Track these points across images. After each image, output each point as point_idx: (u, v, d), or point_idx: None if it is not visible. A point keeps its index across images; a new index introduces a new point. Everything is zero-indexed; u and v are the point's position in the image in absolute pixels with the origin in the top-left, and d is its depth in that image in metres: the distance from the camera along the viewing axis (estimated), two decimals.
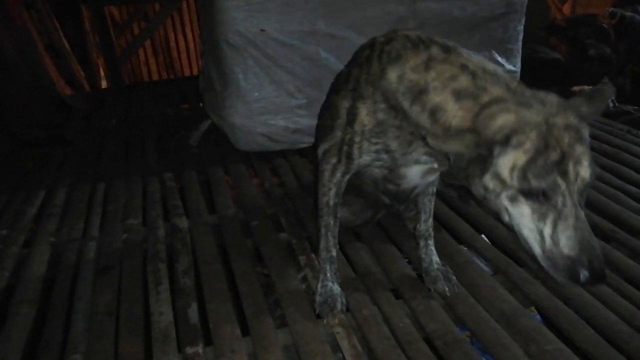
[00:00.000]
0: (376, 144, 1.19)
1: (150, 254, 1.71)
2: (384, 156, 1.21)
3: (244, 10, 2.18)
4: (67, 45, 3.89)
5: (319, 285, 1.42)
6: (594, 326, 1.31)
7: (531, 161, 0.86)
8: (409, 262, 1.63)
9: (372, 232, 1.80)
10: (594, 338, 1.27)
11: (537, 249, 0.91)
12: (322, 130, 1.46)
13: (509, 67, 2.73)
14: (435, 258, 1.50)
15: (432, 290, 1.46)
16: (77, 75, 3.93)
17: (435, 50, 1.08)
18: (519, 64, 2.79)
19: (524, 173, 0.87)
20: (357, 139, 1.21)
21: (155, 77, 6.28)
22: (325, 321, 1.36)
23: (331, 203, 1.36)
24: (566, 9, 5.07)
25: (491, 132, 0.89)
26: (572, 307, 1.39)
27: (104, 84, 4.77)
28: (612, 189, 2.00)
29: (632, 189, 2.01)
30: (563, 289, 1.45)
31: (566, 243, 0.86)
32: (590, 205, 1.91)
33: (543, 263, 0.90)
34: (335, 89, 1.36)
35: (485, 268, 1.62)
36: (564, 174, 0.86)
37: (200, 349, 1.29)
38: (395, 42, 1.15)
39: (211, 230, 1.85)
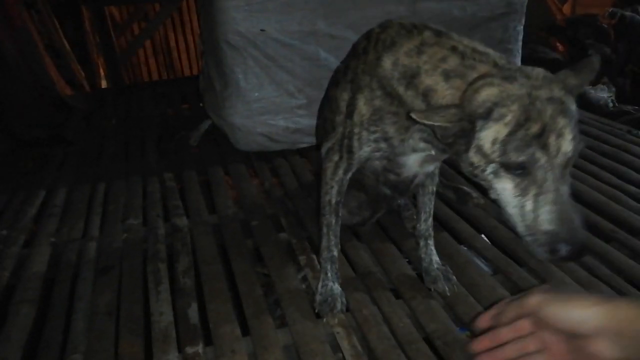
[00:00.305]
0: (374, 132, 1.20)
1: (150, 254, 1.71)
2: (383, 145, 1.22)
3: (244, 10, 2.18)
4: (67, 45, 3.89)
5: (320, 284, 1.42)
6: None
7: (511, 134, 0.86)
8: (409, 262, 1.63)
9: (371, 231, 1.80)
10: None
11: (519, 225, 0.91)
12: (324, 128, 1.47)
13: None
14: (435, 258, 1.50)
15: (432, 290, 1.46)
16: (77, 75, 3.93)
17: (427, 34, 1.10)
18: (519, 64, 2.79)
19: (504, 146, 0.87)
20: (356, 130, 1.22)
21: (155, 77, 6.29)
22: (325, 320, 1.36)
23: (333, 201, 1.36)
24: (566, 9, 5.07)
25: (474, 105, 0.90)
26: None
27: (104, 84, 4.77)
28: (612, 189, 2.00)
29: (632, 189, 2.01)
30: (563, 289, 1.45)
31: (546, 217, 0.86)
32: (590, 205, 1.92)
33: (525, 239, 0.90)
34: (334, 83, 1.37)
35: (485, 268, 1.62)
36: (544, 147, 0.85)
37: (200, 349, 1.29)
38: (390, 30, 1.17)
39: (211, 230, 1.85)
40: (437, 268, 1.48)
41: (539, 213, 0.86)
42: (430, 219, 1.50)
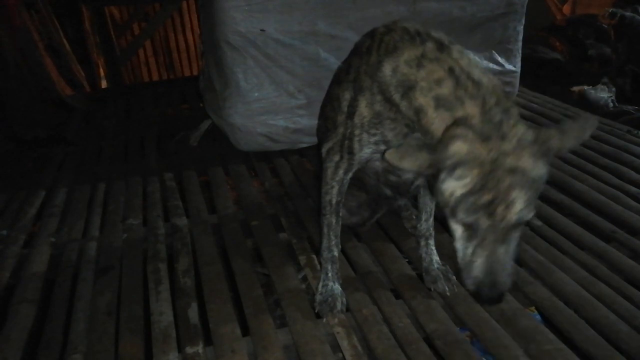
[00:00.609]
0: (374, 135, 1.22)
1: (150, 254, 1.71)
2: (383, 147, 1.23)
3: (244, 10, 2.18)
4: (67, 45, 3.89)
5: (320, 284, 1.42)
6: (594, 326, 1.31)
7: (465, 196, 0.94)
8: (409, 262, 1.63)
9: (371, 231, 1.80)
10: (594, 338, 1.27)
11: (460, 261, 1.02)
12: (325, 127, 1.47)
13: (509, 67, 2.74)
14: (436, 258, 1.50)
15: (432, 290, 1.46)
16: (77, 75, 3.93)
17: (429, 46, 1.11)
18: (519, 64, 2.80)
19: (457, 204, 0.95)
20: (357, 131, 1.23)
21: (155, 77, 6.29)
22: (325, 320, 1.36)
23: (334, 201, 1.37)
24: (566, 9, 5.07)
25: (444, 156, 0.96)
26: (572, 307, 1.39)
27: (104, 84, 4.77)
28: (612, 189, 2.00)
29: (632, 189, 2.01)
30: (563, 289, 1.45)
31: (477, 266, 0.97)
32: (590, 205, 1.92)
33: (462, 272, 1.02)
34: (336, 81, 1.38)
35: None
36: (491, 215, 0.92)
37: (200, 348, 1.29)
38: (394, 34, 1.17)
39: (211, 230, 1.85)
40: (438, 268, 1.48)
41: (474, 259, 0.98)
42: (431, 219, 1.50)
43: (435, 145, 0.99)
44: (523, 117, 1.05)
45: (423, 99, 1.05)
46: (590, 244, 1.68)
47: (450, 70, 1.04)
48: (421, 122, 1.06)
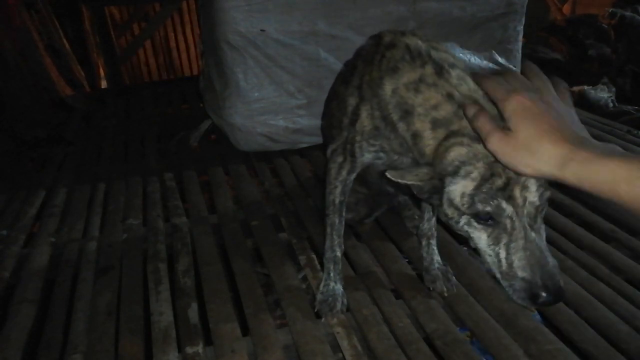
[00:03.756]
0: (373, 145, 1.23)
1: (150, 254, 1.71)
2: (382, 155, 1.25)
3: (244, 10, 2.18)
4: (67, 45, 3.89)
5: (322, 284, 1.43)
6: (594, 326, 1.31)
7: (477, 187, 0.91)
8: (409, 262, 1.63)
9: (371, 231, 1.80)
10: (594, 338, 1.27)
11: (497, 272, 0.94)
12: (330, 124, 1.48)
13: (508, 67, 2.73)
14: (437, 258, 1.50)
15: (431, 289, 1.46)
16: (77, 75, 3.93)
17: (428, 70, 1.09)
18: (519, 64, 2.80)
19: (472, 199, 0.92)
20: (358, 138, 1.24)
21: (155, 77, 6.29)
22: (324, 320, 1.36)
23: (337, 201, 1.37)
24: (566, 9, 5.07)
25: (444, 164, 0.95)
26: (572, 307, 1.39)
27: (104, 84, 4.77)
28: None
29: None
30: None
31: (518, 264, 0.89)
32: (590, 205, 1.92)
33: (505, 287, 0.93)
34: (343, 80, 1.38)
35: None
36: (510, 199, 0.89)
37: (200, 348, 1.29)
38: (395, 51, 1.17)
39: (211, 230, 1.85)
40: (438, 268, 1.48)
41: (512, 260, 0.90)
42: (434, 219, 1.50)
43: (433, 160, 0.99)
44: None
45: (420, 124, 1.05)
46: (590, 244, 1.68)
47: (449, 96, 1.03)
48: (418, 146, 1.06)
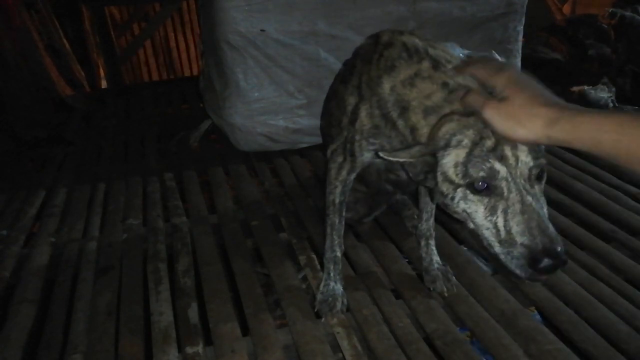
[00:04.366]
0: (373, 144, 1.23)
1: (150, 254, 1.71)
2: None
3: (244, 10, 2.18)
4: (67, 45, 3.88)
5: (322, 284, 1.43)
6: (594, 326, 1.31)
7: (469, 154, 0.90)
8: (409, 262, 1.63)
9: (371, 231, 1.80)
10: (594, 338, 1.27)
11: (495, 244, 0.90)
12: (329, 123, 1.48)
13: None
14: (436, 258, 1.50)
15: (431, 289, 1.46)
16: (77, 75, 3.93)
17: (425, 65, 1.10)
18: (519, 64, 2.80)
19: (465, 167, 0.90)
20: (357, 137, 1.24)
21: (155, 77, 6.28)
22: (324, 320, 1.36)
23: (337, 201, 1.37)
24: (566, 9, 5.07)
25: (435, 141, 0.95)
26: (572, 307, 1.39)
27: (104, 84, 4.77)
28: (612, 189, 2.00)
29: (632, 189, 2.01)
30: (563, 289, 1.45)
31: (517, 229, 0.85)
32: (590, 205, 1.92)
33: (502, 258, 0.89)
34: (342, 79, 1.38)
35: (485, 268, 1.62)
36: (502, 159, 0.87)
37: (200, 349, 1.29)
38: (393, 50, 1.17)
39: (211, 230, 1.85)
40: (437, 268, 1.48)
41: (510, 226, 0.86)
42: (432, 219, 1.50)
43: (427, 142, 0.99)
44: None
45: (414, 117, 1.06)
46: (590, 244, 1.68)
47: (444, 84, 1.04)
48: (416, 139, 1.06)
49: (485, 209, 0.90)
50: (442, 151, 0.94)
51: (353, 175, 1.35)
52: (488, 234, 0.91)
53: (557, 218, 1.83)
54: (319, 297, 1.41)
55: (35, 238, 1.87)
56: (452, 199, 0.95)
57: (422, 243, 1.51)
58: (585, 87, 3.41)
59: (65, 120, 3.25)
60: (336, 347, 1.29)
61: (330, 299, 1.39)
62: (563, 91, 3.45)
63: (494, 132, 0.89)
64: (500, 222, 0.88)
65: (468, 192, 0.92)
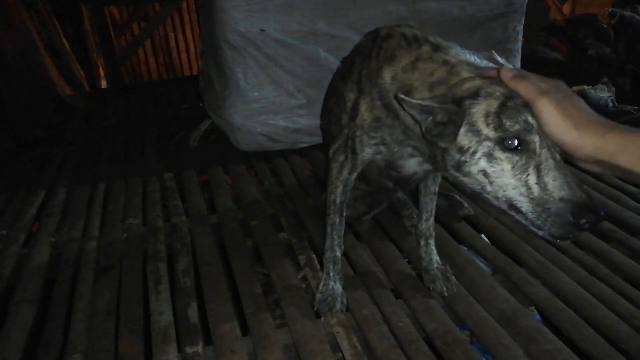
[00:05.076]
0: (374, 138, 1.22)
1: (150, 254, 1.71)
2: (383, 148, 1.24)
3: (244, 10, 2.18)
4: (67, 45, 3.89)
5: (322, 284, 1.43)
6: (594, 326, 1.31)
7: (503, 105, 0.86)
8: (409, 262, 1.63)
9: (371, 231, 1.80)
10: (594, 338, 1.27)
11: (526, 205, 0.84)
12: (329, 121, 1.48)
13: (509, 67, 2.73)
14: (436, 258, 1.50)
15: (431, 289, 1.46)
16: (77, 75, 3.93)
17: (425, 49, 1.10)
18: (519, 64, 2.80)
19: (498, 117, 0.85)
20: (359, 133, 1.24)
21: (155, 77, 6.28)
22: (324, 320, 1.36)
23: (338, 201, 1.37)
24: (566, 9, 5.07)
25: (460, 91, 0.91)
26: (572, 307, 1.39)
27: (104, 84, 4.77)
28: (612, 189, 2.00)
29: (632, 189, 2.01)
30: (563, 289, 1.45)
31: (554, 184, 0.81)
32: None
33: (533, 218, 0.83)
34: (341, 77, 1.38)
35: (485, 268, 1.62)
36: (534, 116, 0.85)
37: (200, 349, 1.29)
38: (392, 41, 1.18)
39: (211, 230, 1.85)
40: (437, 268, 1.48)
41: (547, 182, 0.81)
42: (432, 219, 1.50)
43: (443, 97, 0.94)
44: None
45: (420, 96, 1.04)
46: (590, 244, 1.68)
47: (445, 62, 1.04)
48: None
49: (513, 167, 0.85)
50: (470, 100, 0.89)
51: (354, 175, 1.35)
52: (515, 194, 0.85)
53: None
54: (318, 296, 1.41)
55: (35, 238, 1.87)
56: (474, 154, 0.88)
57: (422, 243, 1.51)
58: (585, 87, 3.41)
59: (65, 120, 3.25)
60: (336, 347, 1.29)
61: (329, 298, 1.39)
62: None
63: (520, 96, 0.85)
64: (533, 180, 0.83)
65: (497, 148, 0.86)
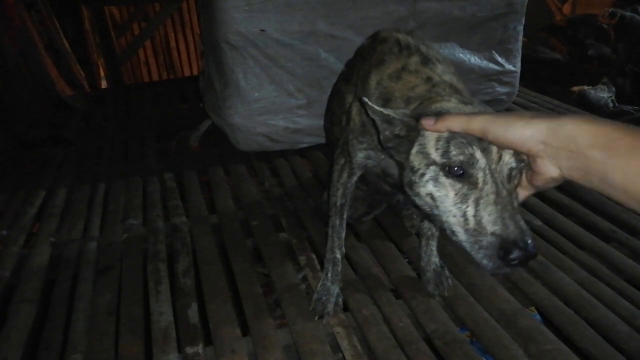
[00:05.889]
0: (362, 142, 1.23)
1: (150, 254, 1.71)
2: (372, 153, 1.24)
3: (244, 10, 2.18)
4: (67, 45, 3.89)
5: (319, 284, 1.43)
6: (594, 326, 1.31)
7: (452, 135, 0.85)
8: (409, 262, 1.63)
9: (371, 231, 1.80)
10: (594, 338, 1.27)
11: (461, 234, 0.84)
12: (331, 121, 1.49)
13: (508, 67, 2.73)
14: (434, 259, 1.49)
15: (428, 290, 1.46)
16: (77, 75, 3.93)
17: (414, 60, 1.11)
18: (519, 64, 2.80)
19: (447, 143, 0.85)
20: (351, 136, 1.25)
21: (155, 77, 6.29)
22: (317, 318, 1.36)
23: (338, 204, 1.37)
24: (566, 9, 5.07)
25: (426, 110, 0.90)
26: (572, 307, 1.39)
27: (104, 84, 4.77)
28: None
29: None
30: (563, 289, 1.45)
31: (488, 219, 0.80)
32: (590, 205, 1.92)
33: (468, 248, 0.83)
34: (344, 78, 1.40)
35: None
36: (485, 152, 0.83)
37: (200, 349, 1.29)
38: (385, 45, 1.19)
39: (211, 230, 1.85)
40: (433, 269, 1.47)
41: (481, 216, 0.81)
42: None
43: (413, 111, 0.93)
44: None
45: (395, 106, 1.04)
46: (590, 244, 1.68)
47: (428, 79, 1.04)
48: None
49: (456, 194, 0.85)
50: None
51: (354, 179, 1.35)
52: (453, 222, 0.85)
53: (557, 218, 1.83)
54: (314, 296, 1.41)
55: (35, 238, 1.87)
56: (422, 176, 0.88)
57: (423, 242, 1.50)
58: (585, 87, 3.41)
59: (65, 120, 3.25)
60: (336, 347, 1.29)
61: (324, 297, 1.39)
62: (563, 91, 3.45)
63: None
64: (470, 211, 0.83)
65: (441, 173, 0.86)
